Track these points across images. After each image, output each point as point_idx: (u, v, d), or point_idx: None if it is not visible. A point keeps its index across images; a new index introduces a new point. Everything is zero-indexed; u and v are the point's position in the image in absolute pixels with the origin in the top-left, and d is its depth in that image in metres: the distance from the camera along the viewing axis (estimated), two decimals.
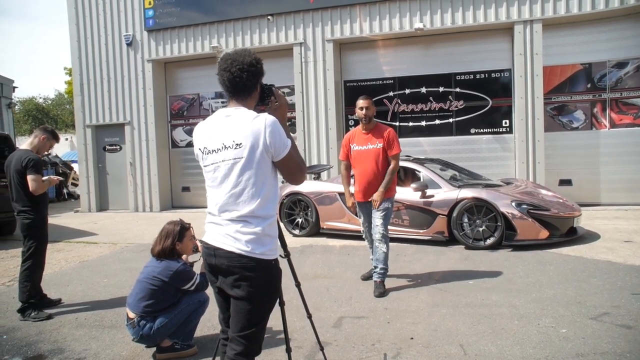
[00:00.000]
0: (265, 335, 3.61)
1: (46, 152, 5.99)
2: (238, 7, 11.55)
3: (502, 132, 10.36)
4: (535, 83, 9.77)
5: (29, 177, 4.62)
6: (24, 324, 4.45)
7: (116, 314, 4.55)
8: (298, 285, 2.92)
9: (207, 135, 2.25)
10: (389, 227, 6.71)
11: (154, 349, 3.65)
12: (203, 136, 2.27)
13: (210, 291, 2.64)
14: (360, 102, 5.01)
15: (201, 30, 11.95)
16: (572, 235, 6.66)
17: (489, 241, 6.50)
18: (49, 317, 4.59)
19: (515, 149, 10.09)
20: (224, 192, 2.19)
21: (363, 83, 11.18)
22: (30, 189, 4.63)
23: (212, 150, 2.21)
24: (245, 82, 2.23)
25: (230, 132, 2.17)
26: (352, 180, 5.47)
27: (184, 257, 3.79)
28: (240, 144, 2.13)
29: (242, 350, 2.20)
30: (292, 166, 2.25)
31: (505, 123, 10.31)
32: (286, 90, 11.60)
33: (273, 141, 2.13)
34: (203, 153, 2.26)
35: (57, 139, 5.02)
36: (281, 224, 8.17)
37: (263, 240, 2.17)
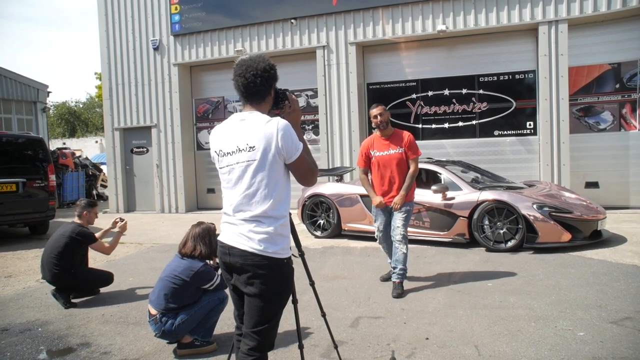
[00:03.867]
0: (283, 332, 3.73)
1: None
2: (262, 11, 11.73)
3: (526, 134, 10.24)
4: (561, 84, 9.62)
5: (94, 249, 5.23)
6: (56, 319, 4.65)
7: (141, 311, 4.70)
8: (312, 284, 3.00)
9: (223, 139, 2.35)
10: (410, 229, 6.75)
11: (175, 344, 3.78)
12: (218, 139, 2.37)
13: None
14: (373, 111, 5.09)
15: (226, 35, 12.16)
16: (596, 239, 6.55)
17: (510, 244, 6.45)
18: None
19: (540, 151, 9.95)
20: (238, 193, 2.28)
21: (386, 85, 11.20)
22: (106, 254, 5.47)
23: (227, 153, 2.31)
24: (259, 87, 2.32)
25: (244, 136, 2.26)
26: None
27: None
28: (254, 146, 2.22)
29: (255, 345, 2.28)
30: (304, 168, 2.32)
31: (530, 125, 10.19)
32: (309, 92, 11.72)
33: (285, 144, 2.22)
34: (219, 155, 2.36)
35: (93, 206, 5.35)
36: (303, 225, 8.27)
37: (275, 239, 2.25)
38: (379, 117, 5.03)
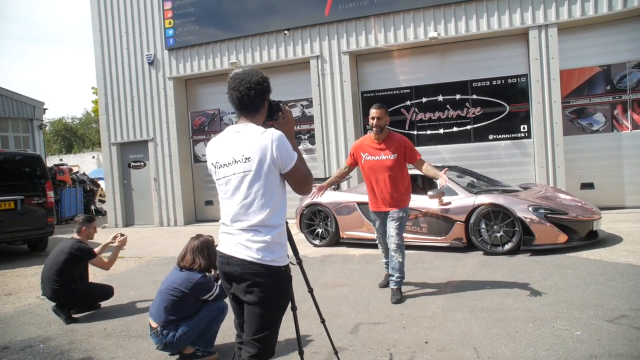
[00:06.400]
0: (284, 340, 3.76)
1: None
2: (255, 23, 11.83)
3: (521, 138, 10.32)
4: (552, 87, 9.73)
5: (93, 265, 5.27)
6: (57, 335, 4.67)
7: (142, 324, 4.72)
8: (311, 291, 3.04)
9: (219, 150, 2.41)
10: (408, 235, 6.79)
11: (178, 356, 3.81)
12: (215, 151, 2.43)
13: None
14: (373, 112, 4.94)
15: (220, 47, 12.26)
16: (592, 239, 6.61)
17: (507, 246, 6.50)
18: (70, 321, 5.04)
19: (535, 153, 10.03)
20: (235, 203, 2.33)
21: (380, 93, 11.28)
22: (105, 269, 5.50)
23: (224, 165, 2.36)
24: (253, 99, 2.38)
25: (239, 147, 2.32)
26: (364, 188, 5.48)
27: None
28: (249, 157, 2.28)
29: (255, 352, 2.33)
30: (299, 177, 2.38)
31: (524, 128, 10.28)
32: (304, 102, 11.81)
33: (279, 154, 2.27)
34: (215, 167, 2.42)
35: (91, 221, 5.40)
36: (301, 235, 8.31)
37: (273, 248, 2.30)
38: (376, 119, 4.91)
